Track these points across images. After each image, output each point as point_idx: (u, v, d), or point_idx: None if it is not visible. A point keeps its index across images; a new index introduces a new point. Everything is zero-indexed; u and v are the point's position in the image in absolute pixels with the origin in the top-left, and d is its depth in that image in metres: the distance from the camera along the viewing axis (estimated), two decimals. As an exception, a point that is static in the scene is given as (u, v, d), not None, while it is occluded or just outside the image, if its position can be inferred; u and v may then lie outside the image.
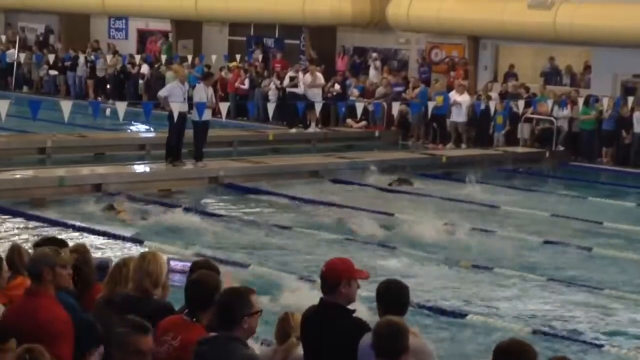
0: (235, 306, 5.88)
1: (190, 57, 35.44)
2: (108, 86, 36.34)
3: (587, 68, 30.56)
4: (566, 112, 27.79)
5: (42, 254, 6.55)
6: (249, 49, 36.77)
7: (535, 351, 5.39)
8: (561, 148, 27.67)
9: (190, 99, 22.09)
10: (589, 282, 14.59)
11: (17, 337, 5.94)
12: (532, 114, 28.10)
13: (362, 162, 24.10)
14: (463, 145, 28.28)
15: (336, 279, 6.56)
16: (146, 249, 12.26)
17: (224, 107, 23.65)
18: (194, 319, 6.23)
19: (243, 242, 16.23)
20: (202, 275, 6.39)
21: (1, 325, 6.31)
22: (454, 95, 28.46)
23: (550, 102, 28.02)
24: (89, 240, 14.81)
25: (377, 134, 29.79)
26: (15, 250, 7.48)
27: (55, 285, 6.45)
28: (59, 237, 8.98)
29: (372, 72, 32.82)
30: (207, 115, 21.69)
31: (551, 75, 31.26)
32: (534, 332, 11.95)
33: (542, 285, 14.36)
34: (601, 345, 11.67)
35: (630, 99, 26.99)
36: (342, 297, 6.57)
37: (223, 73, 33.43)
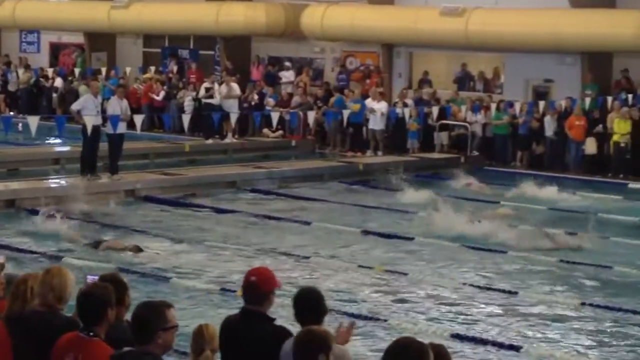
0: (149, 320, 5.84)
1: (104, 70, 35.15)
2: (20, 101, 35.82)
3: (499, 73, 31.05)
4: (479, 117, 28.17)
5: None
6: (163, 61, 36.58)
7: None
8: (475, 153, 28.01)
9: (104, 111, 21.91)
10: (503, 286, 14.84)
11: None
12: (447, 120, 28.41)
13: (280, 171, 24.26)
14: (379, 153, 28.46)
15: (268, 287, 6.57)
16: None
17: (138, 119, 23.48)
18: (91, 334, 6.10)
19: (162, 257, 16.10)
20: (91, 287, 6.28)
21: None
22: (370, 103, 28.63)
23: (463, 108, 28.38)
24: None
25: (293, 143, 29.84)
26: None
27: None
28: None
29: (283, 81, 32.93)
30: (121, 128, 21.55)
31: (464, 81, 31.66)
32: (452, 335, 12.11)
33: (456, 288, 14.58)
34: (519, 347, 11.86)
35: (542, 104, 27.46)
36: (267, 306, 6.59)
37: (135, 85, 33.19)
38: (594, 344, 12.27)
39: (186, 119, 26.49)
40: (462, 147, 28.17)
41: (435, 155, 27.96)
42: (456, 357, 10.84)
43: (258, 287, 6.53)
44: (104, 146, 21.62)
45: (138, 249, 16.10)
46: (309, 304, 6.46)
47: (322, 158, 28.08)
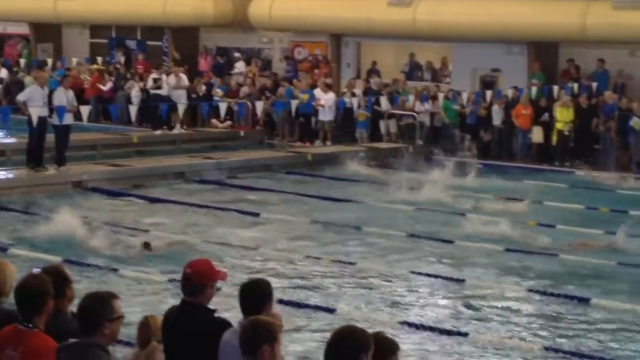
0: (95, 311, 5.81)
1: (50, 61, 34.81)
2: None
3: (447, 63, 31.23)
4: (427, 106, 28.30)
5: None
6: (110, 51, 36.31)
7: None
8: (420, 142, 28.08)
9: (50, 102, 21.73)
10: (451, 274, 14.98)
11: None
12: (395, 109, 28.49)
13: (228, 162, 24.24)
14: (328, 143, 28.48)
15: (204, 280, 6.54)
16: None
17: (85, 110, 23.29)
18: (30, 325, 6.05)
19: (111, 248, 16.00)
20: (27, 279, 6.22)
21: None
22: (318, 94, 28.63)
23: (412, 98, 28.49)
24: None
25: (242, 133, 29.74)
26: None
27: None
28: None
29: (235, 71, 32.86)
30: (68, 119, 21.39)
31: (412, 71, 31.78)
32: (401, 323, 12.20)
33: (404, 277, 14.68)
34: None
35: (489, 93, 27.64)
36: (206, 298, 6.57)
37: (82, 76, 32.89)
38: (540, 330, 12.42)
39: (134, 110, 26.34)
40: (411, 136, 28.27)
41: (383, 145, 27.99)
42: (403, 344, 10.91)
43: (192, 280, 6.52)
44: (50, 137, 21.44)
45: (147, 245, 15.84)
46: (253, 294, 6.46)
47: (271, 148, 28.05)
